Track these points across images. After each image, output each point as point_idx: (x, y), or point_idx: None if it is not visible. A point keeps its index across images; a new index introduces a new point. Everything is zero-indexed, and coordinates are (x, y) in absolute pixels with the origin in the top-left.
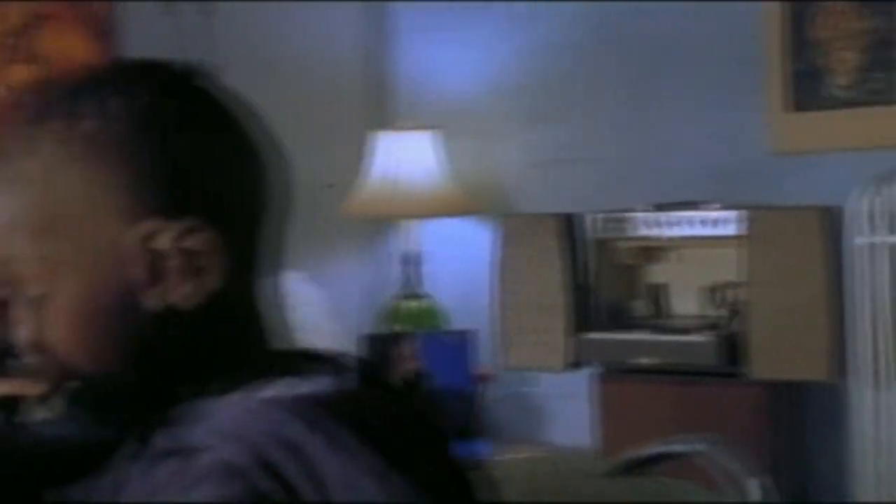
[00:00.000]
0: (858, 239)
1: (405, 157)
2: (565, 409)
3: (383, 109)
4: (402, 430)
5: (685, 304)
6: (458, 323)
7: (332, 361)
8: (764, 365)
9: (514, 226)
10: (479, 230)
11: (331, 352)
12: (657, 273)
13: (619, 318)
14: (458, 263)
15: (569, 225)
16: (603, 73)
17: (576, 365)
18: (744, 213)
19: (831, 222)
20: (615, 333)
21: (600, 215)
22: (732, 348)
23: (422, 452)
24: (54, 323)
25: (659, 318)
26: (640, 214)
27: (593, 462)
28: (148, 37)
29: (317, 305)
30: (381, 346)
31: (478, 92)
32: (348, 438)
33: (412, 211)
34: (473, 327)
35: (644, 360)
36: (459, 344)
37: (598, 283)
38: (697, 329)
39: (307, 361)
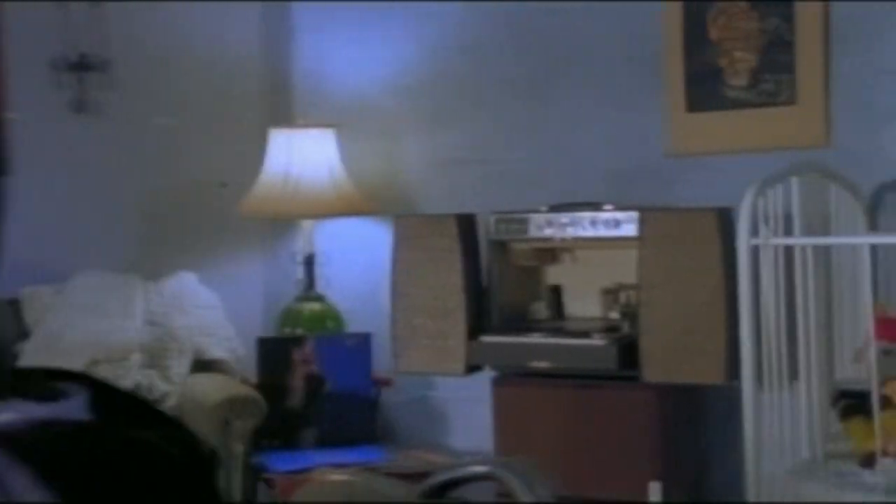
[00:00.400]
0: (747, 240)
1: (303, 156)
2: (466, 414)
3: (282, 107)
4: (110, 464)
5: (584, 306)
6: (358, 326)
7: (72, 384)
8: (658, 368)
9: (410, 226)
10: (379, 230)
11: (78, 373)
12: (556, 275)
13: (518, 321)
14: (358, 265)
15: (467, 226)
16: (503, 73)
17: (474, 369)
18: (640, 214)
19: (727, 224)
20: (512, 337)
21: (498, 216)
22: (628, 352)
23: (139, 486)
24: None
25: (557, 320)
26: (537, 215)
27: (398, 486)
28: (38, 30)
29: (211, 308)
30: (278, 350)
31: (378, 91)
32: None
33: (310, 210)
34: (374, 330)
35: (540, 364)
36: (359, 348)
37: (496, 286)
38: (594, 332)
39: (44, 382)
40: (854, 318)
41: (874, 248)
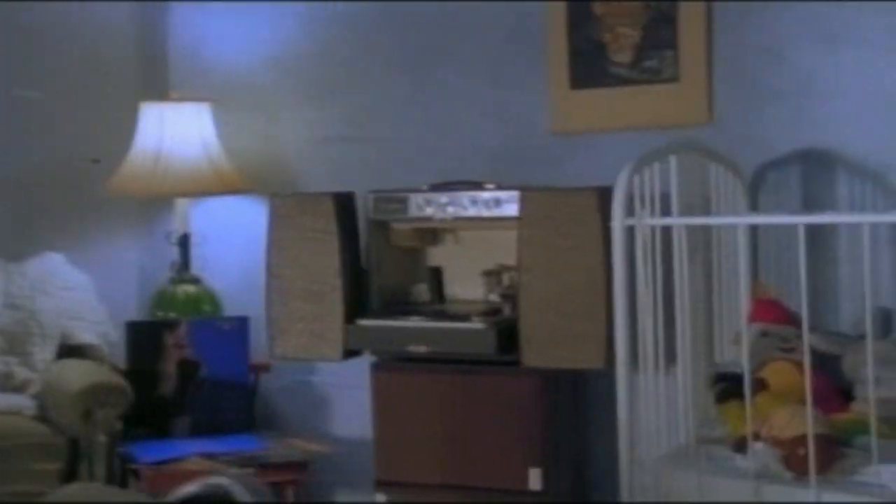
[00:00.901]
0: (622, 221)
1: (177, 131)
2: (348, 400)
3: (157, 80)
4: None
5: (467, 288)
6: (236, 309)
7: None
8: (538, 353)
9: (285, 206)
10: (258, 210)
11: None
12: (437, 256)
13: (399, 304)
14: (237, 246)
15: (345, 205)
16: (385, 48)
17: (353, 354)
18: (520, 193)
19: (607, 204)
20: (390, 320)
21: (377, 195)
22: (508, 336)
23: None
24: None
25: (438, 303)
26: (417, 195)
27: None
28: None
29: (80, 290)
30: (149, 335)
31: (257, 65)
32: None
33: (184, 189)
34: (253, 314)
35: (419, 349)
36: (235, 332)
37: (376, 267)
38: (474, 316)
39: None
40: (736, 299)
41: (754, 229)
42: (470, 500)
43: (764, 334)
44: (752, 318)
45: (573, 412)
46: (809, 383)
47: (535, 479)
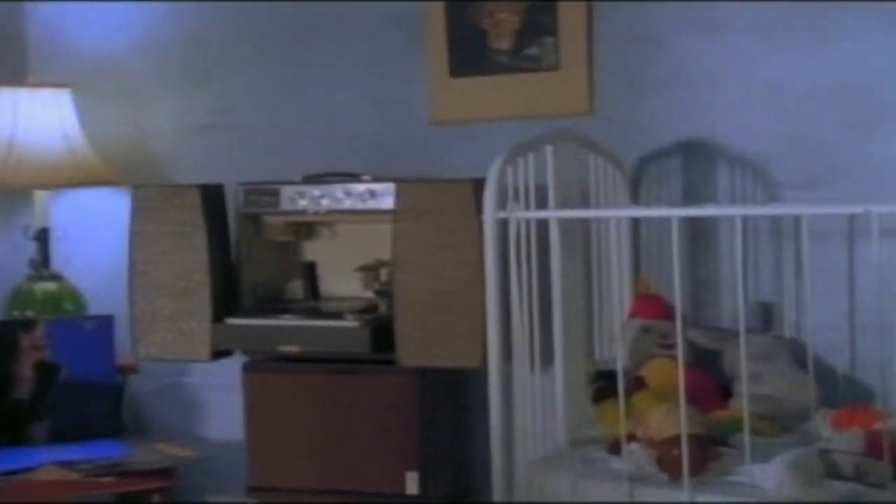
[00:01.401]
0: (493, 213)
1: (33, 119)
2: (220, 401)
3: (14, 63)
4: None
5: (343, 284)
6: (102, 308)
7: None
8: (414, 352)
9: (149, 198)
10: (123, 203)
11: None
12: (312, 251)
13: (270, 302)
14: (101, 241)
15: (213, 197)
16: (257, 33)
17: (223, 354)
18: (395, 185)
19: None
20: (261, 319)
21: (248, 187)
22: (384, 334)
23: None
24: None
25: (312, 300)
26: (290, 187)
27: None
28: None
29: None
30: (3, 335)
31: (122, 49)
32: None
33: (42, 180)
34: (117, 312)
35: (290, 348)
36: (99, 331)
37: (247, 263)
38: (347, 313)
39: None
40: (618, 295)
41: (636, 222)
42: None
43: (645, 330)
44: (633, 313)
45: (452, 413)
46: (682, 381)
47: (412, 483)
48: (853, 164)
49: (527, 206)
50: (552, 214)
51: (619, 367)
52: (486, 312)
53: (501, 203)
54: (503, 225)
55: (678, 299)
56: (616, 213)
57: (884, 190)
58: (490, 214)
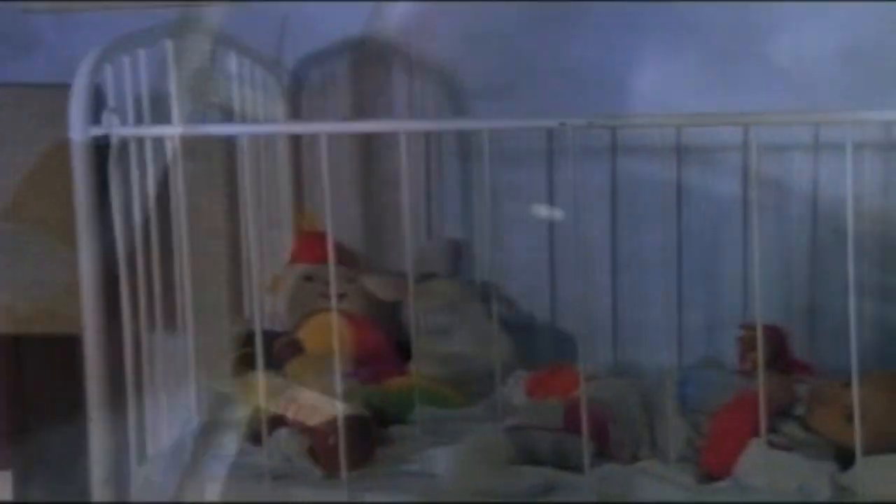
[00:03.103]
0: (85, 131)
1: None
2: None
3: None
4: None
5: None
6: None
7: None
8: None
9: None
10: None
11: None
12: None
13: None
14: None
15: None
16: None
17: None
18: None
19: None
20: None
21: None
22: None
23: None
24: None
25: None
26: None
27: None
28: None
29: None
30: None
31: None
32: None
33: None
34: None
35: None
36: None
37: None
38: None
39: None
40: (276, 234)
41: (297, 143)
42: None
43: (307, 278)
44: (295, 257)
45: (65, 398)
46: (338, 342)
47: (2, 486)
48: (549, 70)
49: (137, 121)
50: (168, 131)
51: (258, 326)
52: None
53: (96, 116)
54: (101, 145)
55: (330, 236)
56: (254, 130)
57: (581, 98)
58: (81, 131)
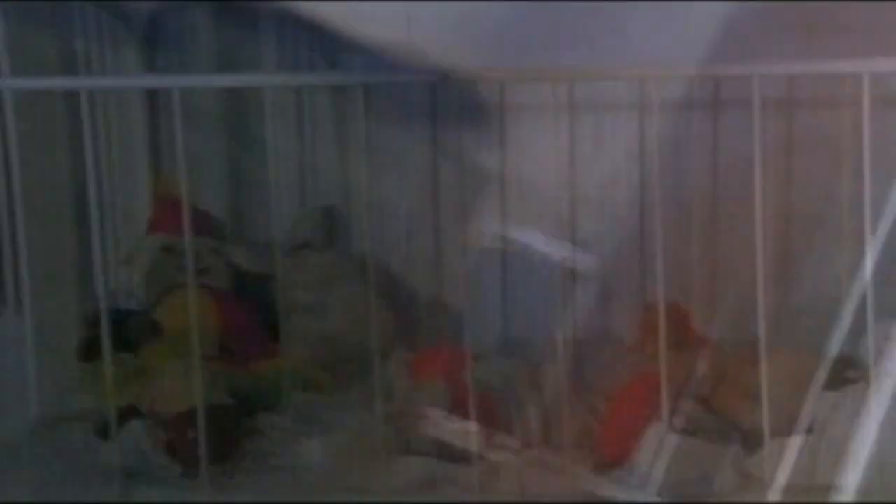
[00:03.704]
0: None
1: None
2: None
3: None
4: None
5: None
6: None
7: None
8: None
9: None
10: None
11: None
12: None
13: None
14: None
15: None
16: None
17: None
18: None
19: None
20: None
21: None
22: None
23: None
24: None
25: None
26: None
27: None
28: None
29: None
30: None
31: None
32: None
33: None
34: None
35: None
36: None
37: None
38: None
39: None
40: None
41: (153, 100)
42: None
43: (166, 250)
44: (153, 227)
45: None
46: (196, 321)
47: None
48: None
49: None
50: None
51: (104, 305)
52: None
53: None
54: None
55: (185, 202)
56: (96, 84)
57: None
58: None
